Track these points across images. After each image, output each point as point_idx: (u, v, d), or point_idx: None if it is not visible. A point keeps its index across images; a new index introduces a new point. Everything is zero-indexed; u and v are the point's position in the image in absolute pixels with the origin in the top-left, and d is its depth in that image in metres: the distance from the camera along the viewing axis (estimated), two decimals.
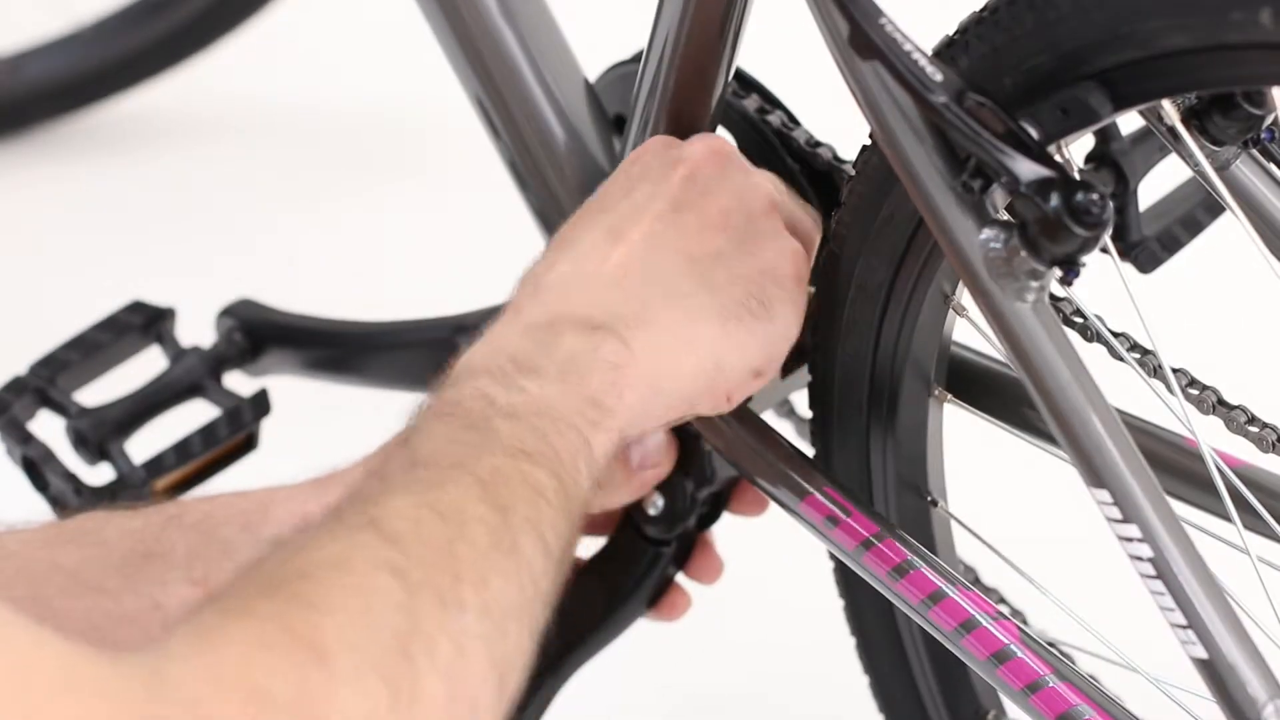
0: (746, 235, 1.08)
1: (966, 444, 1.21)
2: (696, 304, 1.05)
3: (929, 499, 1.17)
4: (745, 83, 1.20)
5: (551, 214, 1.24)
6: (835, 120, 1.21)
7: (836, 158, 1.17)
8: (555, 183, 1.24)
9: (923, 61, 0.93)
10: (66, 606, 1.14)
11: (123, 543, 1.17)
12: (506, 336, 1.02)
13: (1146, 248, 1.02)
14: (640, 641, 1.33)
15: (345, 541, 0.85)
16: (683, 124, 1.13)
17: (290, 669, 0.78)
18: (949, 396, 1.13)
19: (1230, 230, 1.02)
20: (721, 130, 1.17)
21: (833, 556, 1.18)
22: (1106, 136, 0.97)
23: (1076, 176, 0.91)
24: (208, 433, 1.31)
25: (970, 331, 1.07)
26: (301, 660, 0.78)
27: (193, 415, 1.35)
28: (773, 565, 1.53)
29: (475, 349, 1.02)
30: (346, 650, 0.79)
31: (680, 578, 1.28)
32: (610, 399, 1.00)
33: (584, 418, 0.99)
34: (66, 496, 1.30)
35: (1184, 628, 0.92)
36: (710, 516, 1.26)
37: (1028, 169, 0.90)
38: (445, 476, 0.91)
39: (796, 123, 1.20)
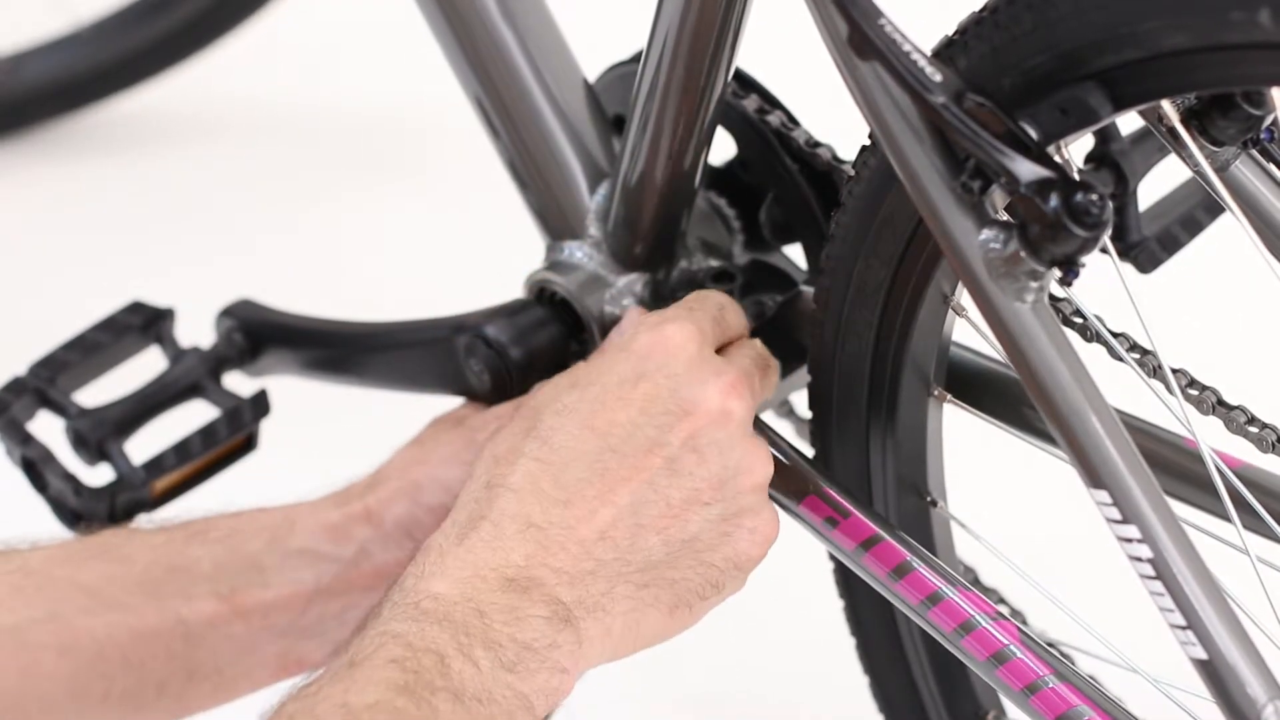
0: (726, 514, 1.07)
1: (967, 444, 1.21)
2: (653, 595, 1.05)
3: (929, 499, 1.17)
4: (745, 83, 1.20)
5: (550, 214, 1.24)
6: (835, 120, 1.21)
7: (836, 158, 1.17)
8: (554, 182, 1.24)
9: (922, 62, 0.93)
10: (88, 625, 1.15)
11: (145, 558, 1.18)
12: (479, 579, 1.01)
13: (1146, 248, 1.02)
14: None
15: None
16: (682, 125, 1.13)
17: None
18: (948, 396, 1.13)
19: (1230, 230, 1.02)
20: (721, 131, 1.17)
21: (832, 556, 1.18)
22: (1106, 137, 0.97)
23: (1076, 177, 0.91)
24: (207, 433, 1.31)
25: (970, 332, 1.07)
26: None
27: (192, 416, 1.35)
28: (772, 564, 1.52)
29: (454, 561, 1.02)
30: None
31: None
32: (542, 705, 1.00)
33: (518, 705, 0.99)
34: (66, 497, 1.29)
35: (1183, 628, 0.92)
36: None
37: (1027, 169, 0.90)
38: None
39: (796, 123, 1.20)
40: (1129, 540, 0.92)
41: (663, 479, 1.06)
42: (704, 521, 1.07)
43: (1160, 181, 1.04)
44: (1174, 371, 1.04)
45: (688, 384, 1.08)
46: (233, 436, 1.31)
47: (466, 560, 1.02)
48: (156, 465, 1.30)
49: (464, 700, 0.96)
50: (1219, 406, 1.05)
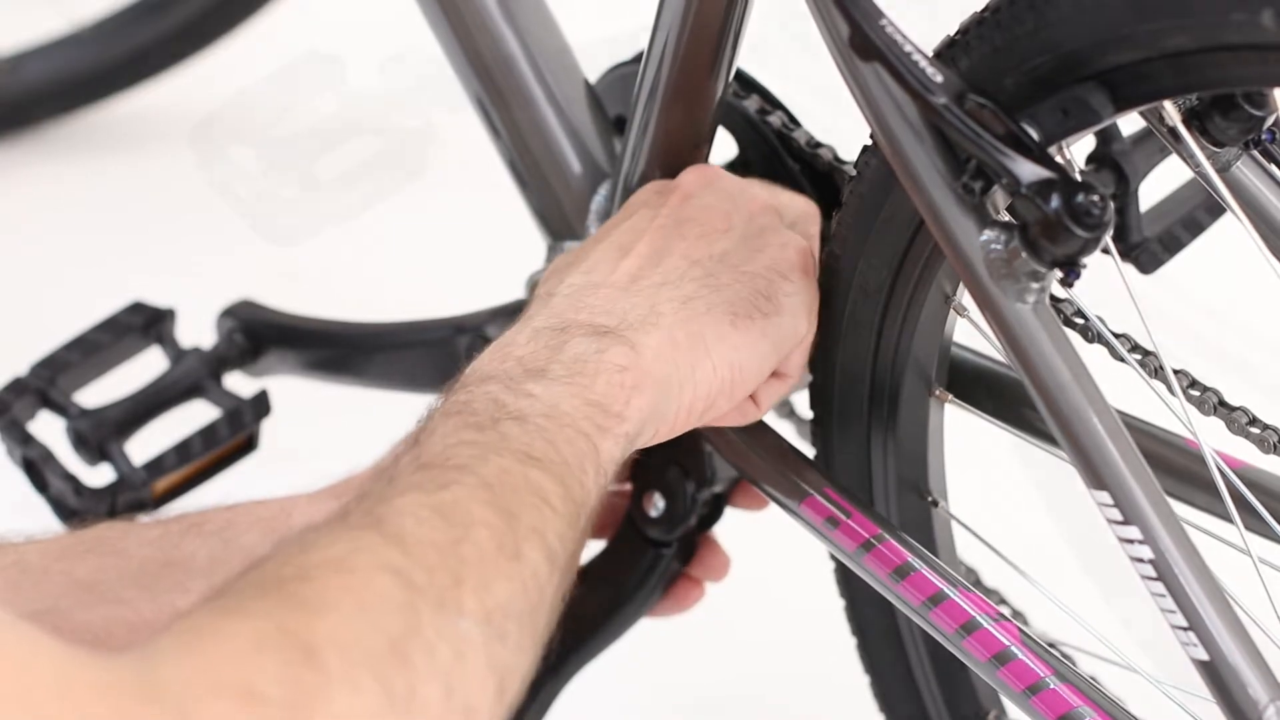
0: (748, 234, 1.09)
1: (967, 445, 1.21)
2: (704, 304, 1.05)
3: (930, 499, 1.17)
4: (746, 84, 1.20)
5: (551, 214, 1.24)
6: (836, 121, 1.21)
7: (837, 158, 1.17)
8: (555, 183, 1.24)
9: (923, 63, 0.93)
10: (84, 619, 1.15)
11: (141, 552, 1.18)
12: (516, 342, 1.02)
13: (1147, 249, 1.02)
14: (640, 641, 1.33)
15: (347, 542, 0.85)
16: (682, 126, 1.13)
17: (282, 669, 0.77)
18: (949, 397, 1.13)
19: (1232, 231, 1.02)
20: (722, 131, 1.17)
21: (833, 557, 1.18)
22: (1107, 137, 0.97)
23: (1078, 178, 0.91)
24: (208, 433, 1.31)
25: (971, 332, 1.07)
26: (294, 660, 0.78)
27: (193, 416, 1.35)
28: (772, 565, 1.52)
29: (485, 354, 1.02)
30: (340, 651, 0.79)
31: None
32: (618, 404, 1.00)
33: (591, 423, 0.98)
34: (66, 497, 1.30)
35: (1185, 629, 0.92)
36: (711, 517, 1.26)
37: (1029, 170, 0.90)
38: (451, 478, 0.90)
39: (797, 124, 1.20)
40: (1130, 541, 0.92)
41: (673, 225, 1.08)
42: (728, 242, 1.08)
43: (1162, 182, 1.04)
44: (1175, 372, 1.04)
45: (664, 185, 1.13)
46: (234, 437, 1.32)
47: (499, 343, 1.03)
48: (157, 465, 1.30)
49: (528, 420, 0.95)
50: (1220, 407, 1.05)
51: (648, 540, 1.25)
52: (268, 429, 1.34)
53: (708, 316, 1.05)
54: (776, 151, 1.18)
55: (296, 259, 2.04)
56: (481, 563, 0.87)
